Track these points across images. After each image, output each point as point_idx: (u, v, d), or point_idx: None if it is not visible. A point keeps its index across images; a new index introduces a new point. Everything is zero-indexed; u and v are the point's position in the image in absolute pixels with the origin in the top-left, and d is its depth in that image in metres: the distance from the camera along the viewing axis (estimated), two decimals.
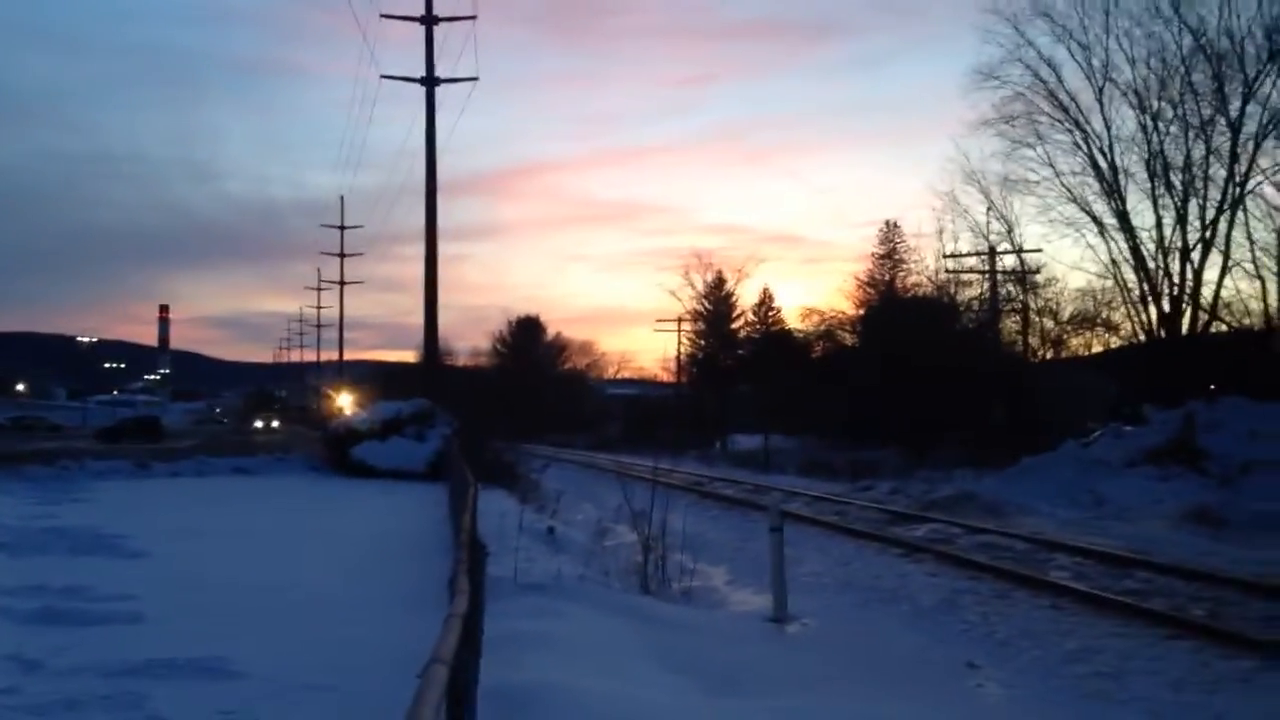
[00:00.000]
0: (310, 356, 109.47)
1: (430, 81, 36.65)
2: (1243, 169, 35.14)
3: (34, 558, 14.54)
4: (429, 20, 36.72)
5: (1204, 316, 36.66)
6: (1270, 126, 34.64)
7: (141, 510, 21.39)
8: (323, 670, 8.58)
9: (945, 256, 48.34)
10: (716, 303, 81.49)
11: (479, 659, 6.56)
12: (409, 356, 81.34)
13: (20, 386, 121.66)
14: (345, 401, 38.68)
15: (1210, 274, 36.31)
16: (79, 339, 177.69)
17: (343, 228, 76.92)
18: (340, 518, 21.56)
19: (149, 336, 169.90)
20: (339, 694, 7.85)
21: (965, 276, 48.88)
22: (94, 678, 8.30)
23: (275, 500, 25.05)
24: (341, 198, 78.21)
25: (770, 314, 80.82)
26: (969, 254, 47.08)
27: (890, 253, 64.52)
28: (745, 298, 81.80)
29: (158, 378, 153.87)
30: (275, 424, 66.60)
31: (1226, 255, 35.92)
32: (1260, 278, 35.93)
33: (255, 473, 32.77)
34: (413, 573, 13.60)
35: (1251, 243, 35.86)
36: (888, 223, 65.04)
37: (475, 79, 37.24)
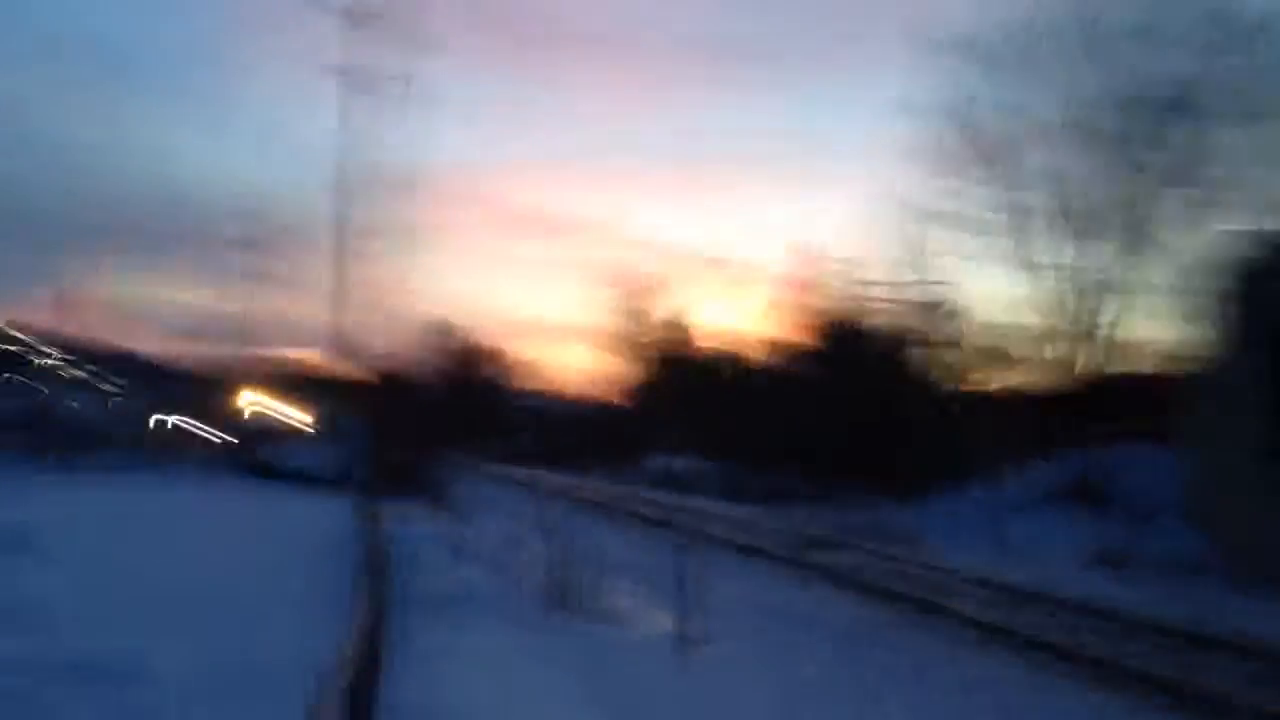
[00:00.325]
0: (218, 351, 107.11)
1: (344, 76, 36.19)
2: (1149, 212, 36.05)
3: None
4: (352, 19, 36.24)
5: (1113, 358, 37.45)
6: (1175, 170, 35.59)
7: (39, 507, 20.70)
8: (225, 673, 8.29)
9: (861, 284, 48.88)
10: (638, 321, 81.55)
11: (379, 670, 6.36)
12: (320, 357, 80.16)
13: None
14: (262, 400, 37.81)
15: (1120, 315, 37.14)
16: None
17: (256, 221, 75.36)
18: (244, 521, 21.04)
19: (51, 322, 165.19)
20: (235, 699, 7.57)
21: (880, 305, 49.43)
22: None
23: (182, 499, 24.41)
24: (257, 190, 76.88)
25: (691, 334, 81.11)
26: (884, 284, 47.64)
27: (810, 278, 65.04)
28: (667, 316, 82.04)
29: (54, 364, 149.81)
30: (187, 423, 63.51)
31: (1131, 297, 36.77)
32: (1168, 320, 36.82)
33: (155, 471, 31.92)
34: (317, 577, 13.27)
35: (1161, 285, 36.76)
36: (808, 248, 65.60)
37: (409, 79, 36.86)
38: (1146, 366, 38.01)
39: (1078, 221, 36.99)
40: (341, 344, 38.11)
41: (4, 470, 29.52)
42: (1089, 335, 36.80)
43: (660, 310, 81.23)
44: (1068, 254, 37.18)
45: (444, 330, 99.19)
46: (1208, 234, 33.00)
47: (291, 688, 7.63)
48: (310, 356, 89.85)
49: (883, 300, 48.29)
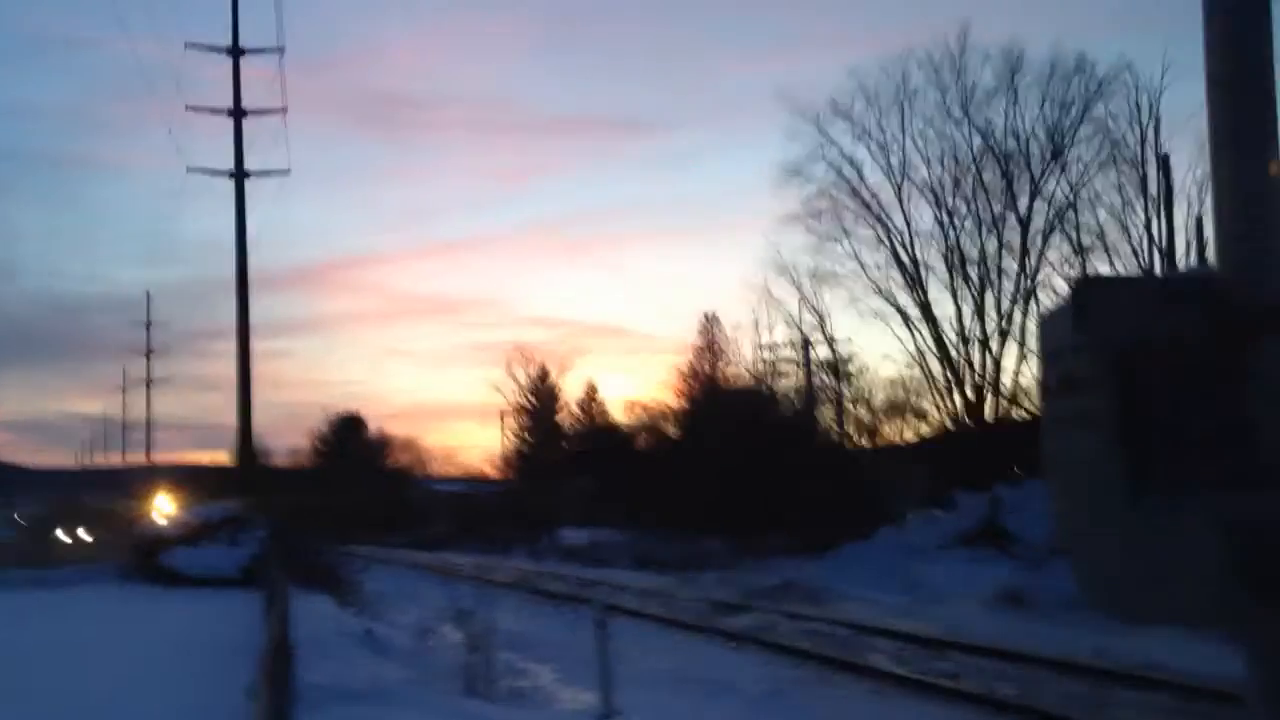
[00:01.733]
0: (116, 460, 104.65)
1: (239, 175, 35.81)
2: (1033, 262, 37.44)
3: None
4: (237, 113, 35.95)
5: (1005, 403, 38.48)
6: (1056, 221, 37.02)
7: None
8: None
9: (761, 347, 49.66)
10: (540, 396, 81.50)
11: None
12: (223, 457, 78.60)
13: None
14: (163, 505, 36.90)
15: (1009, 362, 38.31)
16: None
17: (149, 324, 74.57)
18: (145, 627, 20.48)
19: None
20: None
21: (781, 367, 50.22)
22: None
23: (76, 611, 23.65)
24: (148, 293, 76.05)
25: (594, 406, 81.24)
26: (784, 344, 48.44)
27: (710, 344, 65.70)
28: (569, 390, 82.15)
29: None
30: (86, 536, 60.39)
31: (1023, 344, 37.96)
32: None
33: (56, 585, 30.89)
34: (219, 681, 12.97)
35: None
36: (706, 315, 66.36)
37: (286, 172, 36.75)
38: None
39: (968, 273, 38.20)
40: (247, 444, 37.50)
41: None
42: (986, 383, 37.86)
43: (565, 385, 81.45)
44: (960, 305, 38.34)
45: (352, 422, 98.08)
46: (1080, 277, 34.28)
47: None
48: (216, 457, 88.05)
49: (786, 361, 49.13)
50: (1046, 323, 3.66)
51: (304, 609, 15.26)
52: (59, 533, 51.34)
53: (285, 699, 6.19)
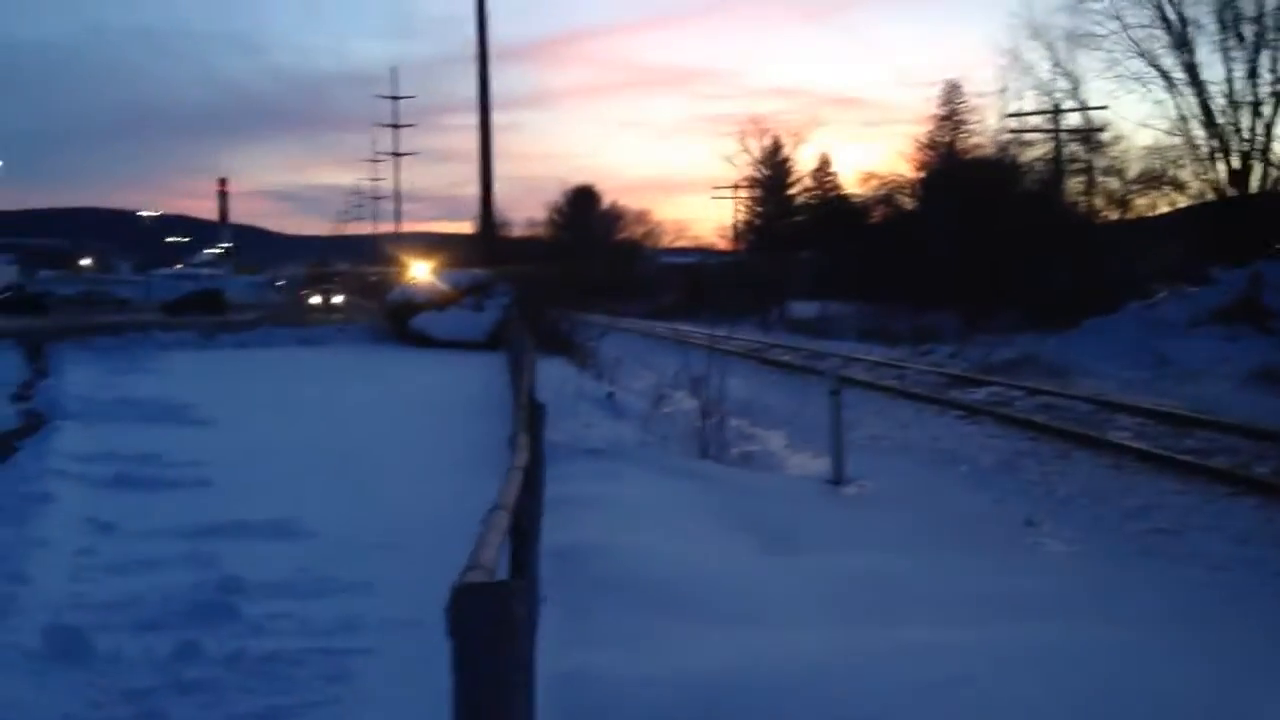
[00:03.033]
0: (368, 228, 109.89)
1: None
2: None
3: (105, 425, 14.87)
4: None
5: (1275, 174, 35.62)
6: None
7: (208, 380, 21.78)
8: (389, 530, 8.79)
9: (1008, 116, 47.13)
10: (774, 169, 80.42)
11: (541, 509, 6.66)
12: (465, 227, 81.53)
13: (85, 261, 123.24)
14: (420, 270, 38.57)
15: None
16: (141, 214, 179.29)
17: (395, 98, 76.62)
18: (401, 385, 21.84)
19: (209, 211, 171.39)
20: (406, 551, 8.04)
21: (1028, 136, 47.64)
22: (169, 539, 8.55)
23: (338, 368, 25.40)
24: (393, 69, 77.81)
25: (828, 179, 79.80)
26: (1032, 113, 45.84)
27: (951, 114, 63.00)
28: (803, 163, 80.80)
29: (220, 251, 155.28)
30: (337, 299, 62.98)
31: None
32: None
33: (318, 343, 33.16)
34: (472, 436, 13.79)
35: None
36: (948, 83, 63.37)
37: None
38: None
39: (1241, 31, 34.90)
40: (488, 214, 38.61)
41: (187, 346, 31.01)
42: (1254, 151, 35.03)
43: (799, 157, 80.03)
44: (1231, 67, 35.23)
45: (586, 194, 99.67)
46: None
47: (460, 525, 8.08)
48: (459, 227, 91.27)
49: (1033, 131, 46.62)
50: None
51: (545, 372, 15.89)
52: (311, 297, 54.47)
53: (539, 444, 6.49)
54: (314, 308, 49.66)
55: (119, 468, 11.54)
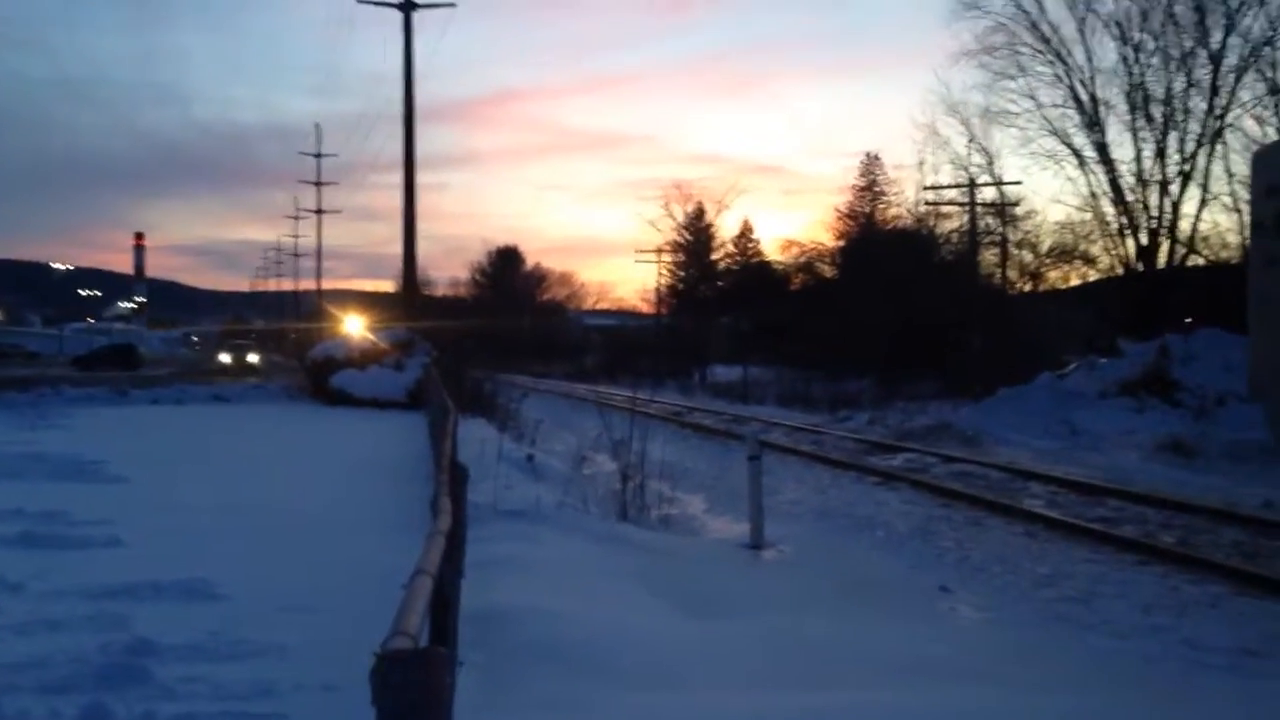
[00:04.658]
0: (288, 285, 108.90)
1: (408, 7, 36.15)
2: (1223, 102, 35.22)
3: (12, 483, 14.50)
4: None
5: (1182, 250, 36.86)
6: (1251, 59, 34.65)
7: (119, 436, 21.38)
8: (305, 591, 8.67)
9: (925, 189, 48.37)
10: (696, 234, 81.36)
11: (461, 576, 6.63)
12: (386, 286, 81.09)
13: None
14: (356, 325, 38.24)
15: (1188, 207, 36.55)
16: (54, 266, 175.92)
17: (319, 155, 76.27)
18: (319, 445, 21.61)
19: (125, 264, 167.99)
20: (322, 614, 7.93)
21: (945, 209, 48.93)
22: (77, 600, 8.34)
23: (254, 427, 25.06)
24: (317, 125, 77.76)
25: (750, 245, 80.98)
26: (949, 186, 47.05)
27: (870, 185, 64.54)
28: (725, 229, 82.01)
29: (134, 305, 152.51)
30: (252, 357, 58.48)
31: (1205, 188, 36.10)
32: (1238, 210, 36.09)
33: (234, 400, 32.74)
34: (391, 497, 13.69)
35: (1230, 176, 35.98)
36: (868, 154, 65.06)
37: (453, 4, 36.80)
38: (1220, 257, 37.37)
39: (1151, 113, 36.19)
40: (411, 272, 38.55)
41: (99, 401, 30.41)
42: (1162, 228, 36.19)
43: (721, 223, 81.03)
44: (1140, 146, 36.48)
45: (510, 255, 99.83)
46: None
47: (377, 588, 8.00)
48: (380, 285, 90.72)
49: (949, 203, 47.76)
50: (1263, 157, 3.45)
51: (466, 433, 15.82)
52: (221, 355, 53.10)
53: (461, 508, 6.48)
54: (225, 367, 47.57)
55: (26, 525, 11.25)
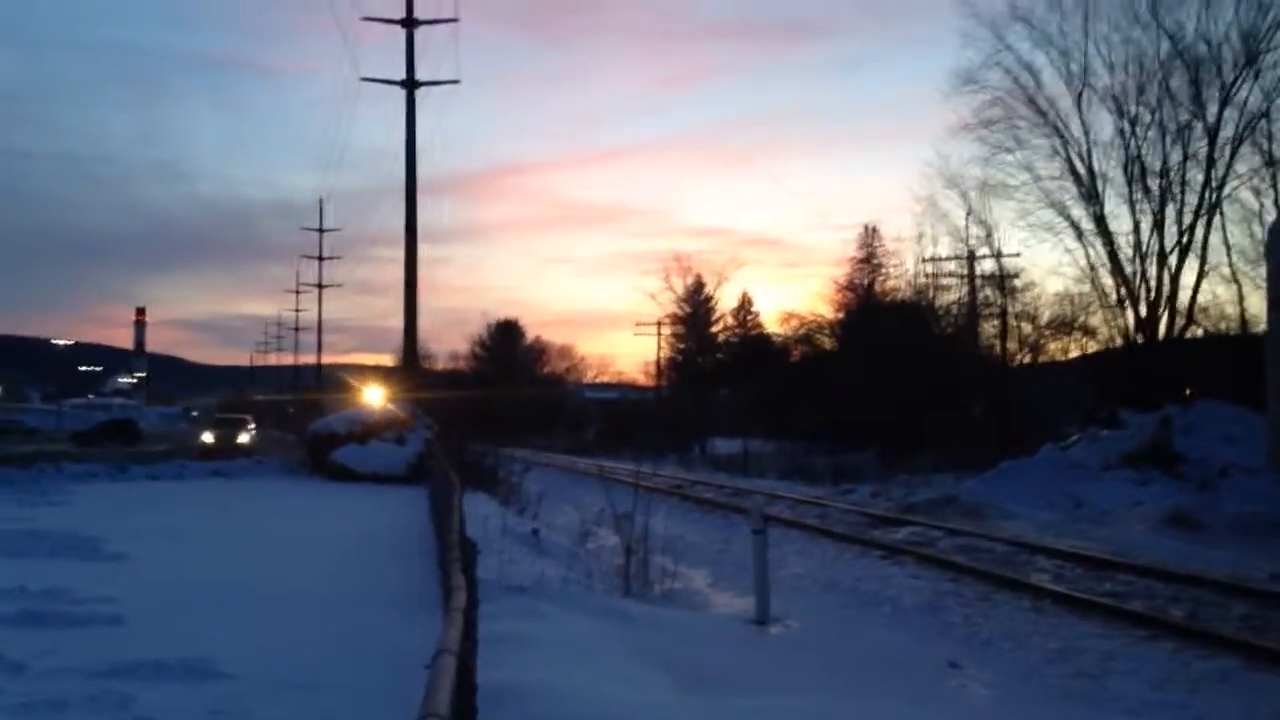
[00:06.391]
0: (288, 359, 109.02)
1: (411, 85, 36.63)
2: (1220, 174, 35.50)
3: (12, 560, 14.41)
4: (410, 23, 36.72)
5: (1181, 321, 36.95)
6: (1247, 131, 34.98)
7: (120, 513, 21.27)
8: (309, 669, 8.58)
9: (924, 260, 48.59)
10: (696, 306, 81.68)
11: (476, 653, 6.57)
12: (387, 360, 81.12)
13: None
14: (376, 395, 38.04)
15: (1187, 278, 36.64)
16: (54, 342, 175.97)
17: (321, 230, 76.91)
18: (320, 520, 21.50)
19: (125, 339, 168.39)
20: (326, 692, 7.85)
21: (944, 281, 49.10)
22: (79, 679, 8.25)
23: (255, 503, 24.95)
24: (320, 200, 78.29)
25: (749, 317, 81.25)
26: (948, 258, 47.30)
27: (869, 257, 64.88)
28: (725, 301, 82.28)
29: (135, 381, 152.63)
30: (243, 437, 51.40)
31: (1204, 260, 36.26)
32: (1237, 282, 36.30)
33: (234, 476, 32.63)
34: (394, 574, 13.61)
35: (1228, 247, 36.21)
36: (867, 227, 65.47)
37: (456, 81, 37.29)
38: (1219, 328, 37.48)
39: (1148, 185, 36.50)
40: (412, 346, 38.64)
41: (99, 477, 30.33)
42: (1161, 299, 36.34)
43: (721, 295, 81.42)
44: (1138, 218, 36.75)
45: (510, 328, 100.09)
46: None
47: (382, 664, 7.93)
48: (380, 359, 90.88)
49: (948, 275, 48.01)
50: (1276, 232, 3.47)
51: (469, 508, 15.75)
52: (204, 435, 51.04)
53: (474, 587, 6.45)
54: (207, 449, 43.16)
55: (26, 604, 11.16)
